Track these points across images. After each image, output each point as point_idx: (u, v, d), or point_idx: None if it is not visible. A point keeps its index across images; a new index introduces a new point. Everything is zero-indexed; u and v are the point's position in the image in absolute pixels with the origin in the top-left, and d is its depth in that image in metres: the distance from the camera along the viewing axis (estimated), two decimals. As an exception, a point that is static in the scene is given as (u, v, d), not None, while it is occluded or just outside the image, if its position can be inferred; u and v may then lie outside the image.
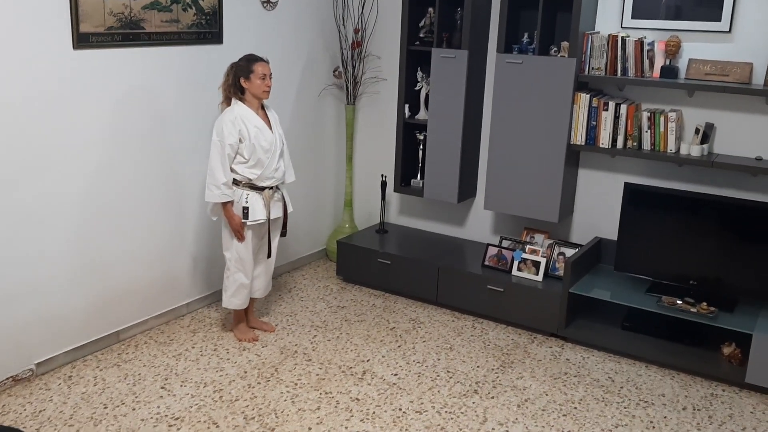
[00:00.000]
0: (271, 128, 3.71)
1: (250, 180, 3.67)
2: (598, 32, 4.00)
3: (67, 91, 3.34)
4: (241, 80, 3.61)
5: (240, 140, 3.59)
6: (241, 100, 3.65)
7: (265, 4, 4.33)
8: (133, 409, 3.23)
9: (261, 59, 3.65)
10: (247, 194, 3.68)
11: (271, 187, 3.75)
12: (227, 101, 3.68)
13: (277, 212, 3.83)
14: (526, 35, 4.16)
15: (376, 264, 4.61)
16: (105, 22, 3.42)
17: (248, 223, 3.70)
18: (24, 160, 3.22)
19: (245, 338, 3.94)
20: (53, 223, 3.40)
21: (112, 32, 3.46)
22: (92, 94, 3.46)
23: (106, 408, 3.23)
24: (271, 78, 3.66)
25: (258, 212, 3.70)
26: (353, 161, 5.16)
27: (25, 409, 3.19)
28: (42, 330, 3.46)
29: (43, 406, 3.23)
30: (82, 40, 3.34)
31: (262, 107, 3.74)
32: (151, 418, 3.17)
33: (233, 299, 3.86)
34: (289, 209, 3.92)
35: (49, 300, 3.47)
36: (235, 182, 3.69)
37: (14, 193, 3.22)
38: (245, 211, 3.67)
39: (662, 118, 3.84)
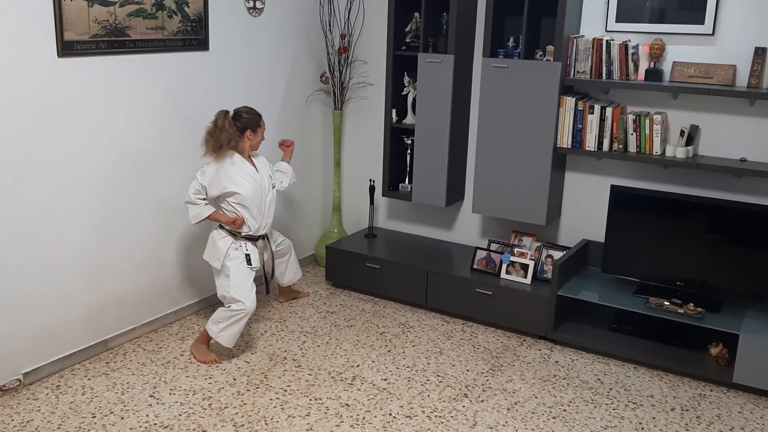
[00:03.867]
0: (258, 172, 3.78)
1: (248, 233, 3.75)
2: (582, 36, 4.03)
3: (52, 99, 3.32)
4: (248, 132, 3.66)
5: (233, 193, 3.64)
6: (234, 149, 3.65)
7: (251, 10, 4.33)
8: (122, 418, 3.21)
9: (261, 118, 3.76)
10: (247, 244, 3.76)
11: (263, 237, 3.89)
12: (220, 151, 3.61)
13: (267, 256, 3.96)
14: (511, 39, 4.18)
15: (365, 269, 4.61)
16: (90, 29, 3.41)
17: (252, 268, 3.75)
18: (8, 169, 3.20)
19: (207, 360, 3.72)
20: (39, 232, 3.38)
21: (97, 40, 3.45)
22: (78, 102, 3.44)
23: (94, 417, 3.21)
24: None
25: (255, 260, 3.78)
26: (341, 166, 5.16)
27: (12, 420, 3.17)
28: (29, 339, 3.44)
29: (30, 416, 3.21)
30: (66, 48, 3.33)
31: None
32: (140, 427, 3.15)
33: (224, 333, 3.66)
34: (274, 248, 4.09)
35: (36, 309, 3.44)
36: (234, 234, 3.73)
37: (-1, 202, 3.20)
38: (248, 257, 3.73)
39: (647, 121, 3.87)
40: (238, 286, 3.65)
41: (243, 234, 3.74)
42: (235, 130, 3.62)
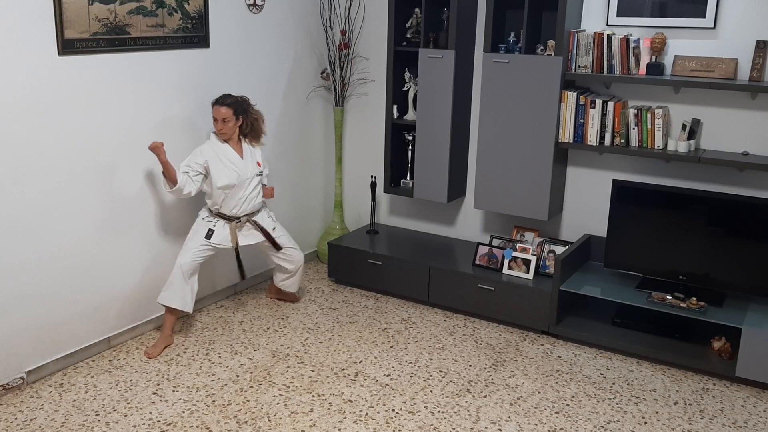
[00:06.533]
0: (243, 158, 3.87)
1: (218, 209, 3.89)
2: (583, 30, 4.02)
3: (52, 97, 3.32)
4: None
5: (206, 170, 3.81)
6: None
7: (251, 7, 4.32)
8: (125, 416, 3.22)
9: (216, 103, 3.82)
10: (216, 221, 3.90)
11: (239, 219, 3.92)
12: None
13: (249, 240, 4.00)
14: (512, 34, 4.18)
15: (367, 265, 4.61)
16: (90, 27, 3.41)
17: (211, 243, 3.86)
18: (9, 168, 3.21)
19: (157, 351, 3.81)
20: (40, 230, 3.39)
21: (97, 38, 3.45)
22: (78, 101, 3.44)
23: (98, 415, 3.22)
24: (225, 122, 3.79)
25: (222, 238, 3.89)
26: (342, 163, 5.16)
27: (16, 418, 3.18)
28: (32, 338, 3.44)
29: (34, 414, 3.22)
30: (67, 47, 3.32)
31: (239, 139, 3.91)
32: (144, 424, 3.16)
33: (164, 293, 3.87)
34: (270, 228, 4.06)
35: (39, 307, 3.45)
36: (210, 210, 3.94)
37: (0, 201, 3.20)
38: (209, 233, 3.86)
39: (649, 115, 3.86)
40: (184, 248, 3.87)
41: (215, 211, 3.90)
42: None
